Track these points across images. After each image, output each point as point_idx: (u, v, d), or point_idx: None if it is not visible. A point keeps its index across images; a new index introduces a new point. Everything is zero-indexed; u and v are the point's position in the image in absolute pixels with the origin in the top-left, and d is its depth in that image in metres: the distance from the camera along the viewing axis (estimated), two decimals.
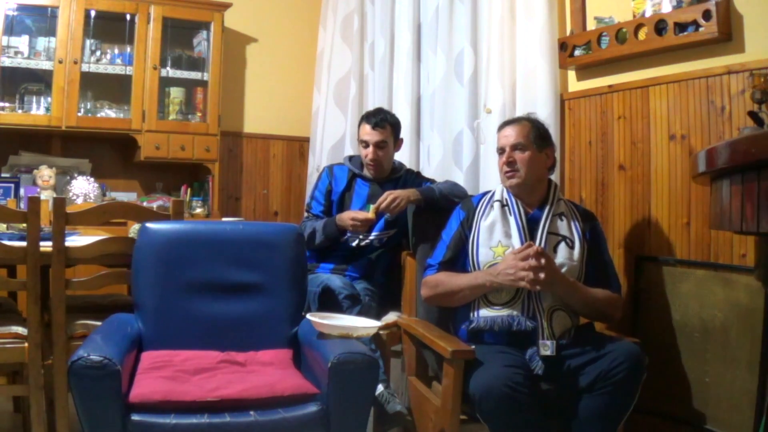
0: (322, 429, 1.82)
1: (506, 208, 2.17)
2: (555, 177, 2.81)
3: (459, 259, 2.19)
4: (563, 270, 2.05)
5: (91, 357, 1.68)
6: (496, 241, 2.12)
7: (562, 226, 2.14)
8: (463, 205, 2.28)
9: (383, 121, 2.72)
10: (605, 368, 1.86)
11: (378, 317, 2.51)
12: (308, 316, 2.07)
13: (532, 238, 2.10)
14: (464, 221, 2.21)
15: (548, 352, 1.94)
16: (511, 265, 1.98)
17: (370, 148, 2.71)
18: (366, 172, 2.79)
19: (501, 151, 2.19)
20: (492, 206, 2.19)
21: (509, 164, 2.15)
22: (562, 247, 2.10)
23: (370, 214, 2.55)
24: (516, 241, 2.10)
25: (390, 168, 2.80)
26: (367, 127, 2.73)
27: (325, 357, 1.85)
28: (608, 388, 1.85)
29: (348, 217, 2.59)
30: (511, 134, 2.17)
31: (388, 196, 2.55)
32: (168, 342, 2.07)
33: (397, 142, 2.81)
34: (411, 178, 2.82)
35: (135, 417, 1.71)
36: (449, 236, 2.23)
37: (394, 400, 2.32)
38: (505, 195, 2.20)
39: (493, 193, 2.24)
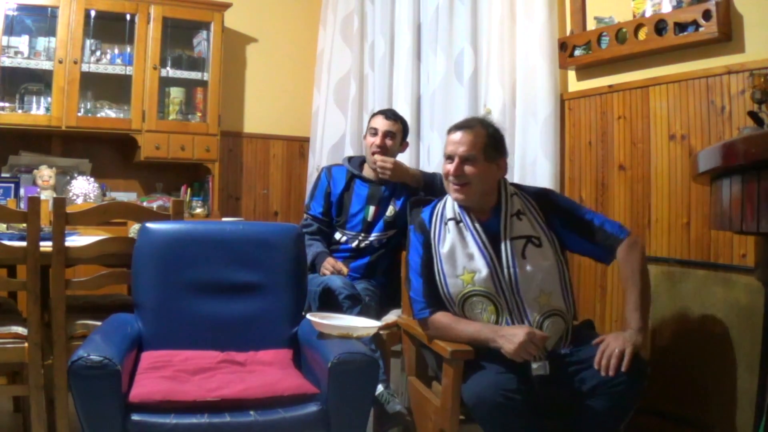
0: (322, 429, 1.82)
1: (461, 224, 2.03)
2: (555, 177, 2.82)
3: (435, 285, 2.04)
4: (539, 278, 1.95)
5: (91, 357, 1.68)
6: (461, 268, 1.99)
7: (523, 226, 2.01)
8: (417, 226, 2.13)
9: (396, 116, 2.82)
10: (607, 379, 1.80)
11: (378, 317, 2.51)
12: (308, 316, 2.07)
13: (496, 250, 1.98)
14: (425, 244, 2.07)
15: (541, 372, 1.86)
16: (522, 341, 1.81)
17: (378, 135, 2.74)
18: (365, 173, 2.80)
19: (449, 158, 2.03)
20: (446, 226, 2.05)
21: (457, 177, 2.00)
22: (530, 250, 1.98)
23: (345, 270, 2.59)
24: (480, 263, 1.97)
25: None
26: (379, 117, 2.79)
27: (325, 357, 1.85)
28: (608, 395, 1.81)
29: (329, 263, 2.62)
30: (462, 142, 2.00)
31: (390, 160, 2.63)
32: (168, 342, 2.07)
33: (403, 143, 2.85)
34: None
35: (135, 417, 1.71)
36: (417, 264, 2.08)
37: (394, 400, 2.32)
38: (457, 209, 2.06)
39: (444, 208, 2.09)
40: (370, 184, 2.77)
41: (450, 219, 2.06)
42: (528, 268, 1.97)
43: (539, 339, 1.83)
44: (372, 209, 2.75)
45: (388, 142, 2.75)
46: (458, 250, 2.01)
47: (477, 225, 2.03)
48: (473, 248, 2.00)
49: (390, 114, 2.81)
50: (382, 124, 2.76)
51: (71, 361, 1.69)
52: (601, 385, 1.82)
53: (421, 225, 2.12)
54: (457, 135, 2.03)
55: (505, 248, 1.99)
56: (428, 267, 2.06)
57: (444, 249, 2.02)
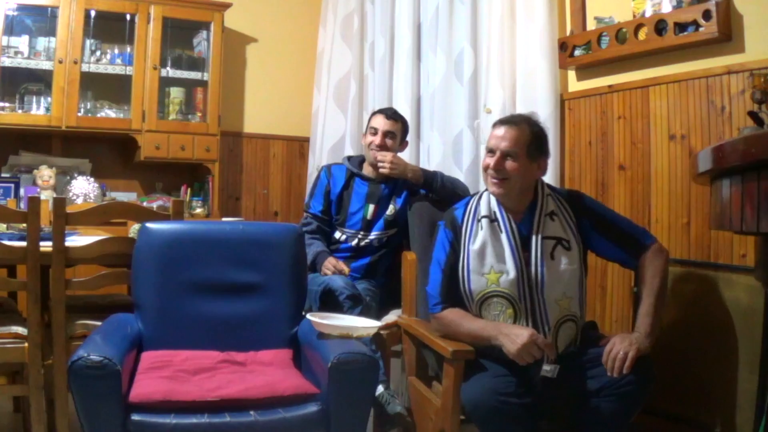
0: (322, 429, 1.82)
1: (495, 223, 2.01)
2: (556, 177, 2.82)
3: (456, 283, 2.03)
4: (565, 281, 1.94)
5: (91, 357, 1.68)
6: (488, 267, 1.97)
7: (555, 227, 1.99)
8: (448, 222, 2.09)
9: (396, 115, 2.80)
10: (614, 380, 1.80)
11: (378, 317, 2.51)
12: (308, 316, 2.07)
13: (527, 250, 1.96)
14: (454, 242, 2.05)
15: (549, 375, 1.85)
16: (525, 343, 1.81)
17: (378, 134, 2.73)
18: (365, 171, 2.79)
19: (491, 151, 2.01)
20: (480, 224, 2.02)
21: (496, 171, 1.98)
22: (559, 251, 1.96)
23: (346, 270, 2.59)
24: (510, 265, 1.95)
25: None
26: (380, 117, 2.78)
27: (325, 357, 1.85)
28: (613, 397, 1.81)
29: (330, 263, 2.61)
30: (507, 137, 1.98)
31: (389, 155, 2.63)
32: (168, 342, 2.07)
33: (403, 143, 2.83)
34: None
35: (135, 417, 1.71)
36: (442, 260, 2.06)
37: (394, 400, 2.32)
38: (494, 207, 2.04)
39: (478, 206, 2.06)
40: (369, 183, 2.77)
41: (484, 216, 2.03)
42: (555, 269, 1.95)
43: (542, 344, 1.82)
44: (371, 207, 2.75)
45: (388, 141, 2.74)
46: (489, 249, 1.99)
47: (513, 227, 2.00)
48: (506, 249, 1.98)
49: (390, 113, 2.80)
50: (382, 123, 2.75)
51: (71, 361, 1.69)
52: (608, 386, 1.82)
53: (453, 222, 2.09)
54: (502, 130, 2.00)
55: (535, 247, 1.97)
56: (453, 265, 2.04)
57: (475, 246, 2.00)
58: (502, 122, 2.05)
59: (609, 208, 2.18)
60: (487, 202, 2.06)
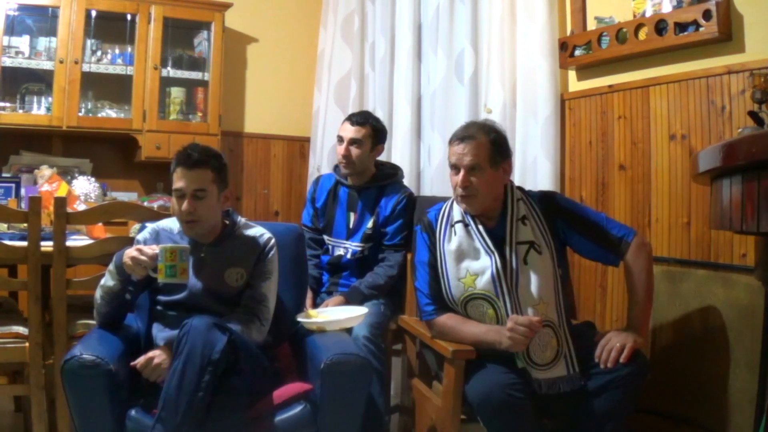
0: (314, 428, 1.84)
1: (468, 227, 2.04)
2: (556, 177, 2.82)
3: (441, 285, 2.05)
4: (538, 285, 1.95)
5: (84, 356, 1.69)
6: (464, 271, 2.00)
7: (527, 232, 2.01)
8: (423, 226, 2.12)
9: (364, 119, 2.67)
10: (611, 376, 1.83)
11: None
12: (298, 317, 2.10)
13: (501, 255, 1.98)
14: (431, 244, 2.07)
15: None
16: (509, 327, 1.85)
17: (344, 144, 2.63)
18: (350, 180, 2.71)
19: (455, 168, 2.02)
20: (453, 228, 2.05)
21: (465, 188, 1.98)
22: (532, 256, 1.98)
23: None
24: (484, 267, 1.98)
25: (366, 173, 2.70)
26: (345, 124, 2.68)
27: (318, 357, 1.86)
28: (611, 392, 1.83)
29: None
30: (466, 153, 1.98)
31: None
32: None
33: (377, 148, 2.70)
34: (399, 195, 2.68)
35: (133, 414, 1.72)
36: (426, 260, 2.07)
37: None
38: (463, 212, 2.07)
39: (451, 212, 2.09)
40: (349, 190, 2.70)
41: (458, 221, 2.05)
42: (529, 274, 1.97)
43: (524, 320, 1.84)
44: (352, 216, 2.68)
45: (354, 150, 2.61)
46: (464, 253, 2.01)
47: (483, 229, 2.02)
48: (479, 252, 2.00)
49: (356, 119, 2.65)
50: (347, 131, 2.64)
51: (64, 360, 1.71)
52: (605, 383, 1.84)
53: (429, 225, 2.11)
54: (460, 146, 2.00)
55: (510, 253, 1.98)
56: (434, 265, 2.06)
57: (450, 251, 2.02)
58: (458, 138, 2.03)
59: (585, 206, 2.18)
60: (458, 209, 2.08)
